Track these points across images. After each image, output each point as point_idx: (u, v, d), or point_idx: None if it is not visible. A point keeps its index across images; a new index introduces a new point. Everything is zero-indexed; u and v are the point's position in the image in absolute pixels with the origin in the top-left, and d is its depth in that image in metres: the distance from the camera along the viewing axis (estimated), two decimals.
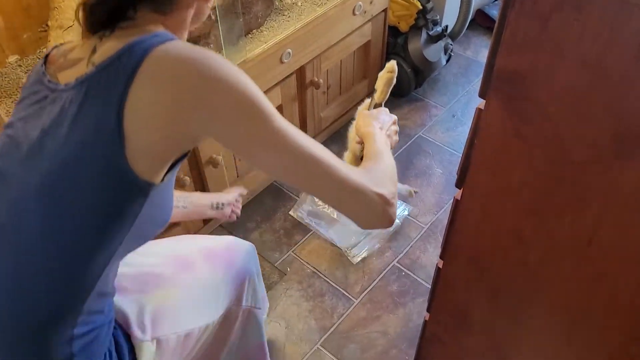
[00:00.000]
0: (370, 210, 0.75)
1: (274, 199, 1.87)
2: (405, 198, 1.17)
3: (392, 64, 1.10)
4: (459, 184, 0.92)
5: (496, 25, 0.70)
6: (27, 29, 1.42)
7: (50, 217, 0.72)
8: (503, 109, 0.77)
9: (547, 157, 0.78)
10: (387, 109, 1.09)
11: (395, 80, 1.11)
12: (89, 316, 0.79)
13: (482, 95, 0.78)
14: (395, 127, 1.06)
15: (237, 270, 1.08)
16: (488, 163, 0.84)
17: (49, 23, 1.22)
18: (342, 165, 0.73)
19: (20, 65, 1.45)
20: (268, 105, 0.70)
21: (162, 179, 0.73)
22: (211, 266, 1.05)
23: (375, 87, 1.11)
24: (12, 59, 1.45)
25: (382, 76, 1.10)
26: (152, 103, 0.66)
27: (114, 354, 0.86)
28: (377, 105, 1.10)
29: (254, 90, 0.69)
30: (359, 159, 1.11)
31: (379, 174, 0.80)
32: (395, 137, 1.06)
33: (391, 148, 1.01)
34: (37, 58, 1.47)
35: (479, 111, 0.80)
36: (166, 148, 0.70)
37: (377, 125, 1.01)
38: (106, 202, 0.71)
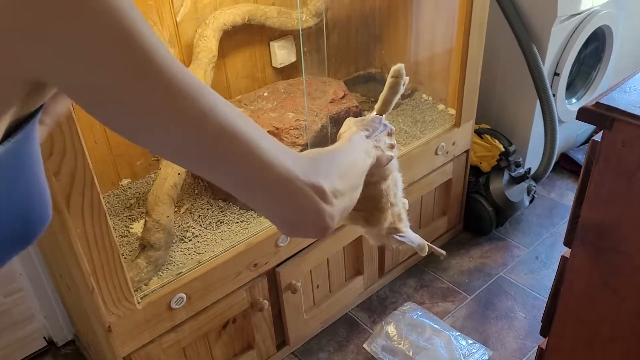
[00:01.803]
0: (296, 206, 0.55)
1: (348, 330, 1.85)
2: (418, 249, 1.00)
3: (397, 67, 0.91)
4: (543, 332, 0.89)
5: (580, 178, 0.72)
6: (142, 157, 1.60)
7: None
8: (589, 259, 0.77)
9: (639, 311, 0.75)
10: (382, 117, 0.90)
11: (402, 88, 0.92)
12: None
13: (567, 243, 0.78)
14: (391, 141, 0.86)
15: None
16: (575, 312, 0.82)
17: None
18: (266, 143, 0.52)
19: (130, 188, 1.61)
20: (158, 47, 0.44)
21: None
22: None
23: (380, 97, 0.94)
24: (125, 181, 1.62)
25: (386, 83, 0.92)
26: None
27: None
28: None
29: (138, 21, 0.43)
30: None
31: (323, 163, 0.61)
32: (390, 152, 0.84)
33: (382, 165, 0.83)
34: (146, 182, 1.63)
35: (564, 259, 0.80)
36: None
37: (362, 131, 0.82)
38: None
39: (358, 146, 0.76)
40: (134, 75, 0.43)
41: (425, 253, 0.97)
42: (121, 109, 0.45)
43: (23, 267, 1.61)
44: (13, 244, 0.54)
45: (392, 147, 0.85)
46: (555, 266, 2.05)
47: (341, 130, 0.84)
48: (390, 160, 0.85)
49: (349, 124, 0.85)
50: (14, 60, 0.41)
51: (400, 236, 0.96)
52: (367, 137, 0.81)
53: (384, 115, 0.91)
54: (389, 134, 0.86)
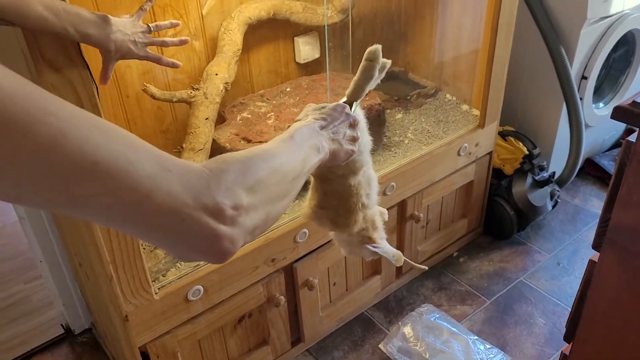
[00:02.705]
0: (187, 236, 0.47)
1: (364, 329, 1.84)
2: (393, 260, 0.89)
3: (373, 48, 0.81)
4: (567, 338, 0.87)
5: (612, 180, 0.70)
6: (163, 149, 1.60)
7: None
8: (618, 263, 0.74)
9: None
10: (345, 106, 0.79)
11: (376, 72, 0.82)
12: None
13: (595, 247, 0.76)
14: (353, 133, 0.76)
15: None
16: (601, 318, 0.80)
17: (183, 145, 1.38)
18: (142, 165, 0.43)
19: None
20: None
21: None
22: None
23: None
24: None
25: (360, 66, 0.83)
26: None
27: None
28: (348, 105, 0.81)
29: None
30: (316, 195, 0.83)
31: (230, 174, 0.51)
32: (350, 146, 0.75)
33: (339, 160, 0.74)
34: None
35: (591, 263, 0.77)
36: None
37: (317, 122, 0.72)
38: None
39: (299, 143, 0.66)
40: None
41: (400, 264, 0.88)
42: None
43: (44, 255, 1.63)
44: None
45: (353, 140, 0.76)
46: (577, 273, 2.02)
47: (298, 117, 0.77)
48: (351, 155, 0.76)
49: (307, 110, 0.76)
50: None
51: (373, 246, 0.87)
52: (323, 127, 0.72)
53: (356, 102, 0.82)
54: (352, 125, 0.76)
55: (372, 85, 0.85)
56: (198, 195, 0.46)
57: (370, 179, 0.87)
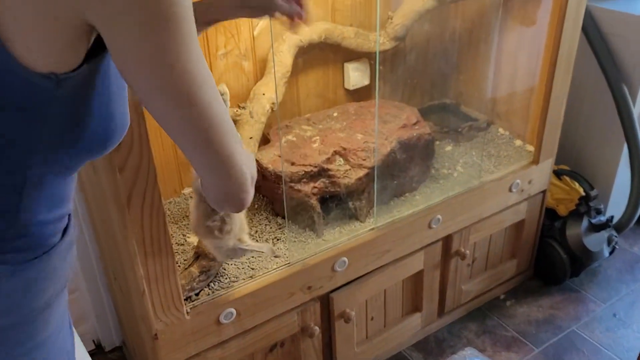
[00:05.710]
0: (234, 186, 0.70)
1: None
2: (269, 253, 1.12)
3: (222, 89, 1.04)
4: None
5: None
6: None
7: None
8: None
9: None
10: None
11: (227, 104, 1.08)
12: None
13: None
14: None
15: None
16: None
17: None
18: (227, 127, 0.65)
19: (191, 197, 1.60)
20: (188, 33, 0.55)
21: (80, 67, 0.56)
22: None
23: None
24: (187, 190, 1.61)
25: None
26: None
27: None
28: None
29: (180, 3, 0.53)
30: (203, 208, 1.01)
31: (245, 155, 0.73)
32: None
33: None
34: None
35: None
36: (47, 27, 0.52)
37: None
38: None
39: None
40: (156, 56, 0.54)
41: (274, 254, 1.06)
42: (133, 70, 0.56)
43: (81, 268, 1.63)
44: (93, 149, 0.65)
45: None
46: (635, 326, 1.87)
47: None
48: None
49: None
50: (69, 5, 0.51)
51: (246, 245, 1.06)
52: None
53: None
54: None
55: None
56: (248, 164, 0.71)
57: None
